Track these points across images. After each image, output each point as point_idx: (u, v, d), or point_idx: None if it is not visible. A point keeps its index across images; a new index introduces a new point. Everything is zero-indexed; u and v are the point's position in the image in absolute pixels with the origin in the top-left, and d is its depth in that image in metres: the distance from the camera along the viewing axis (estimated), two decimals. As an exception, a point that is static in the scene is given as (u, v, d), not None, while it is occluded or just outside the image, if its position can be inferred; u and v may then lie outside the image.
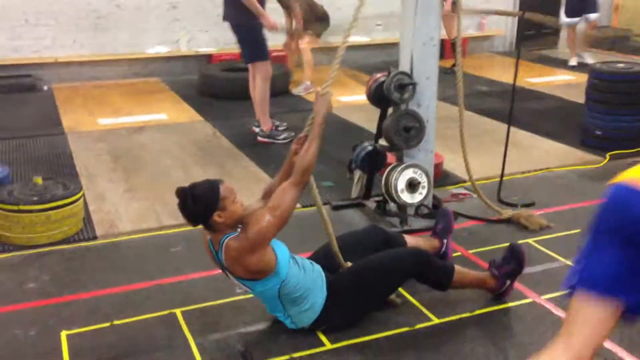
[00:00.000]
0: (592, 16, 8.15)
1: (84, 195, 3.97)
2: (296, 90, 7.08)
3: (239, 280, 2.68)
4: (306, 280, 2.73)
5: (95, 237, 3.71)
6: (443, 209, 3.70)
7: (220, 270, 2.75)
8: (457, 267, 2.95)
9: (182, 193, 2.57)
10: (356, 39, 8.67)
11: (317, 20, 7.03)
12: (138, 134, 5.67)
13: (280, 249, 2.69)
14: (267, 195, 2.84)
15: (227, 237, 2.58)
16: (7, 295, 3.13)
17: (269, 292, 2.68)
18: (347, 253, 2.95)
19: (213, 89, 6.96)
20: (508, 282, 2.99)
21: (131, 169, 4.81)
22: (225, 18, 5.36)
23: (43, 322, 2.90)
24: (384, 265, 2.86)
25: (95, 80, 7.58)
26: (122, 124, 5.99)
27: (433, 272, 2.90)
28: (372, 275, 2.85)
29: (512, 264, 2.99)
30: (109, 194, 4.32)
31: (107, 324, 2.88)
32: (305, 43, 7.00)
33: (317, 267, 2.84)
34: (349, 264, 2.92)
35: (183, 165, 4.90)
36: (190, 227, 3.75)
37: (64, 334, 2.80)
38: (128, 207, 4.12)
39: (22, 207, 3.56)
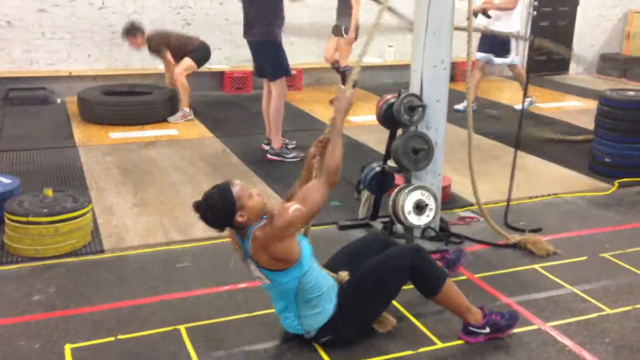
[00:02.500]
0: (497, 60, 7.28)
1: (92, 208, 4.00)
2: (173, 118, 6.66)
3: (262, 271, 2.69)
4: (323, 282, 2.76)
5: (102, 251, 3.73)
6: (461, 248, 3.69)
7: (224, 287, 2.75)
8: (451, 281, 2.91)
9: (199, 208, 2.64)
10: (368, 59, 8.74)
11: (194, 51, 6.77)
12: (148, 149, 5.71)
13: (303, 243, 2.73)
14: (289, 200, 2.87)
15: (254, 227, 2.64)
16: (14, 306, 3.15)
17: (288, 285, 2.69)
18: (352, 263, 2.95)
19: (92, 114, 6.48)
20: (487, 329, 2.88)
21: (140, 183, 4.84)
22: (245, 35, 5.42)
23: (48, 334, 2.90)
24: (382, 265, 2.85)
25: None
26: (133, 138, 6.04)
27: (428, 269, 2.84)
28: (372, 279, 2.83)
29: (504, 320, 2.91)
30: (117, 207, 4.35)
31: (111, 339, 2.88)
32: (182, 69, 6.69)
33: (331, 279, 2.85)
34: (344, 273, 2.90)
35: (192, 180, 4.93)
36: (197, 244, 3.84)
37: (68, 347, 2.81)
38: (136, 221, 4.14)
39: (31, 219, 3.59)
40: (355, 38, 7.29)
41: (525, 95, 4.77)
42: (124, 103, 6.62)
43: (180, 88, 6.74)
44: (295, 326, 2.80)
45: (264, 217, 2.67)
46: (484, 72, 7.22)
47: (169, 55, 6.70)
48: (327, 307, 2.76)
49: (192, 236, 3.94)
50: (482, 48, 7.15)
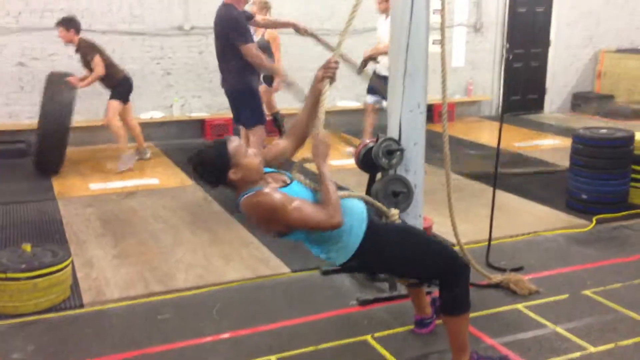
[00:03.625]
0: (369, 98, 7.03)
1: (72, 262, 3.95)
2: (116, 167, 6.54)
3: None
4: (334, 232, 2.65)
5: (82, 305, 3.67)
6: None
7: (207, 338, 2.72)
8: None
9: (193, 162, 2.60)
10: (346, 103, 8.87)
11: (117, 87, 6.63)
12: (129, 199, 5.69)
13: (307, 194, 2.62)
14: (291, 133, 2.88)
15: (244, 195, 2.55)
16: (-10, 366, 3.08)
17: (296, 238, 2.68)
18: None
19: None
20: None
21: (120, 234, 4.80)
22: (221, 84, 5.49)
23: (25, 394, 2.83)
24: (431, 243, 2.86)
25: (89, 145, 7.65)
26: (113, 189, 6.02)
27: (465, 288, 2.82)
28: (415, 242, 2.83)
29: None
30: (97, 260, 4.30)
31: (91, 396, 2.82)
32: (111, 115, 6.55)
33: (360, 207, 2.77)
34: (395, 211, 2.93)
35: (173, 230, 4.90)
36: (178, 294, 3.80)
37: (46, 406, 2.74)
38: (116, 273, 4.09)
39: (9, 275, 3.53)
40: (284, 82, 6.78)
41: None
42: None
43: (115, 134, 6.61)
44: (325, 258, 2.80)
45: (257, 187, 2.55)
46: (376, 114, 6.99)
47: (99, 59, 6.44)
48: (352, 241, 2.69)
49: (173, 287, 3.90)
50: (371, 91, 7.06)
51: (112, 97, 6.66)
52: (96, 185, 6.12)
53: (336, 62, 2.76)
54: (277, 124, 7.69)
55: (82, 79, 6.64)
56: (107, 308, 3.66)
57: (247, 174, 2.55)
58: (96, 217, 5.20)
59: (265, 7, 7.01)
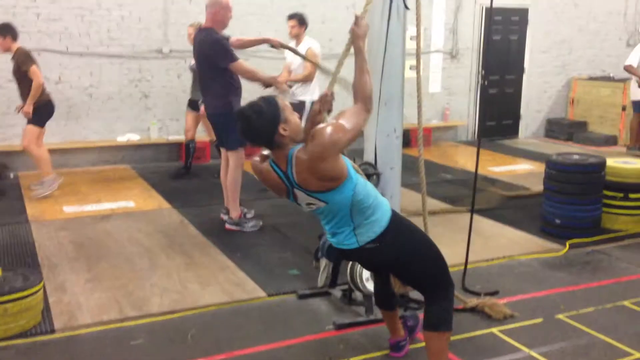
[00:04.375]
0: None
1: (44, 286, 3.88)
2: (36, 193, 6.34)
3: (314, 195, 2.67)
4: (372, 191, 2.81)
5: (53, 330, 3.60)
6: (416, 314, 3.70)
7: None
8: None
9: (244, 113, 2.60)
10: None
11: (37, 111, 6.28)
12: (104, 222, 5.62)
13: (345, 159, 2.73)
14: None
15: (294, 149, 2.62)
16: (-44, 393, 2.99)
17: (343, 201, 2.69)
18: None
19: None
20: None
21: (94, 258, 4.74)
22: (205, 108, 5.49)
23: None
24: (438, 251, 2.98)
25: (64, 167, 7.58)
26: (87, 212, 5.95)
27: (449, 300, 2.94)
28: (428, 246, 2.98)
29: None
30: (70, 284, 4.23)
31: None
32: (30, 140, 6.30)
33: (381, 196, 2.92)
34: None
35: (148, 253, 4.85)
36: (152, 319, 3.75)
37: None
38: (89, 297, 4.03)
39: (-22, 300, 3.46)
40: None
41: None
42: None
43: (36, 159, 6.37)
44: (349, 240, 2.81)
45: (299, 144, 2.63)
46: None
47: (35, 68, 6.15)
48: (382, 217, 2.79)
49: (147, 311, 3.85)
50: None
51: (31, 122, 6.32)
52: (70, 208, 6.04)
53: (332, 94, 2.85)
54: (187, 151, 7.43)
55: (20, 108, 6.39)
56: (78, 334, 3.59)
57: (294, 131, 2.63)
58: (70, 240, 5.13)
59: None
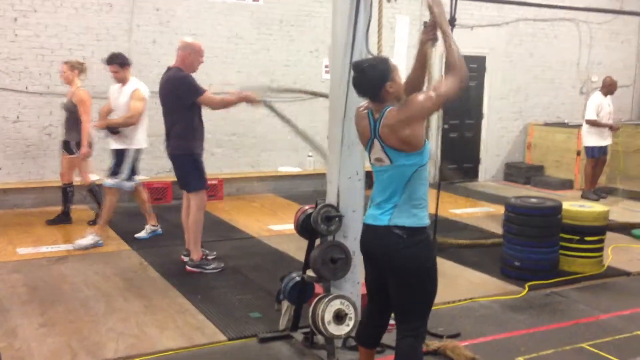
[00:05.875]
0: (107, 181, 6.12)
1: (-7, 331, 3.73)
2: None
3: (386, 150, 2.87)
4: (426, 189, 2.95)
5: (1, 378, 3.45)
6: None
7: None
8: None
9: (359, 66, 2.89)
10: (288, 169, 8.96)
11: None
12: (59, 264, 5.46)
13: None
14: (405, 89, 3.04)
15: (390, 106, 2.86)
16: None
17: (406, 170, 2.87)
18: None
19: None
20: None
21: (49, 301, 4.58)
22: (167, 148, 5.46)
23: None
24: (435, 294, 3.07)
25: (20, 207, 7.38)
26: (43, 253, 5.77)
27: (417, 344, 3.01)
28: (435, 278, 3.04)
29: None
30: (21, 329, 4.08)
31: None
32: None
33: None
34: None
35: (105, 297, 4.71)
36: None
37: None
38: (42, 343, 3.88)
39: None
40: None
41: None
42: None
43: None
44: (384, 216, 2.92)
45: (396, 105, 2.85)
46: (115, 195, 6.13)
47: None
48: (422, 219, 2.93)
49: (102, 357, 3.72)
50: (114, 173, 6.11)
51: None
52: (24, 250, 5.86)
53: (434, 24, 3.00)
54: (65, 196, 6.90)
55: None
56: (29, 381, 3.45)
57: (398, 90, 2.89)
58: (22, 283, 4.95)
59: (78, 68, 6.54)
